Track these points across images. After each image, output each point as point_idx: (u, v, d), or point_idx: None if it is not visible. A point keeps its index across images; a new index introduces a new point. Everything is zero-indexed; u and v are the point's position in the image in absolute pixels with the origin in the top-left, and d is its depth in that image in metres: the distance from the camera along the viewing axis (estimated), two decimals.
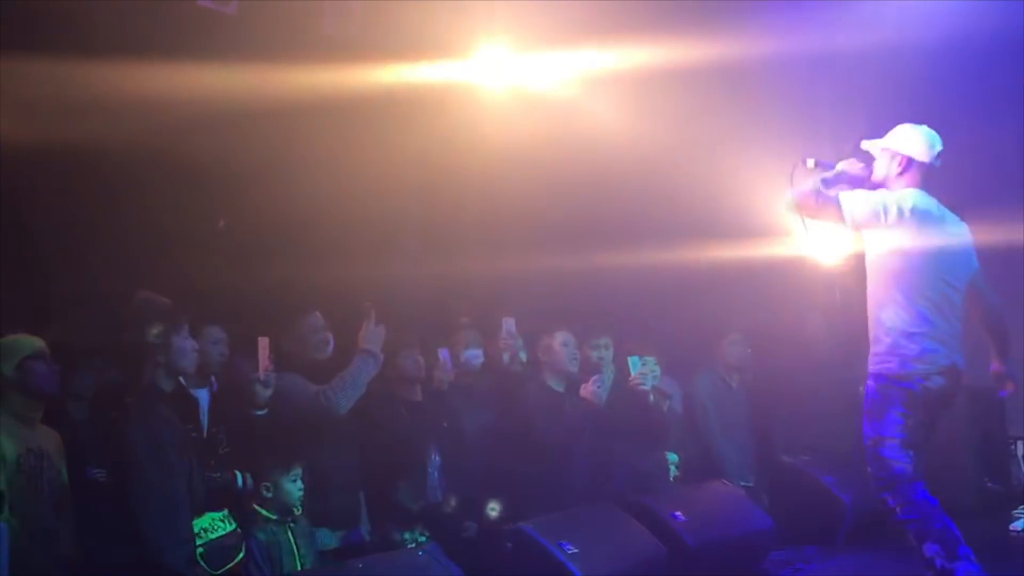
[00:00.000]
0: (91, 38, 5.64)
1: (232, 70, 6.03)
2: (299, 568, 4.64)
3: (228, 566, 4.33)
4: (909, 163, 4.67)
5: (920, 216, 4.56)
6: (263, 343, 4.76)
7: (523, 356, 6.26)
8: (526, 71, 6.79)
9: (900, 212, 4.52)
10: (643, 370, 6.02)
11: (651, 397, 6.09)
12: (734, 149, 7.06)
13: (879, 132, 4.80)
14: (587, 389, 5.88)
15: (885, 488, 4.47)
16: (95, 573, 4.49)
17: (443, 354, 5.75)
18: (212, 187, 7.98)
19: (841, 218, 4.58)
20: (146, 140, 6.62)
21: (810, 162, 4.84)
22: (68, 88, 5.74)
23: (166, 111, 6.18)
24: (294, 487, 4.70)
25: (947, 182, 4.68)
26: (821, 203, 4.60)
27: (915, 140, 4.70)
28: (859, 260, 4.80)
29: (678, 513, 5.52)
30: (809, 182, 4.67)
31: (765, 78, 6.67)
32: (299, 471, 4.73)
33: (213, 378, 4.96)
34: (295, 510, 4.72)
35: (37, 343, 4.49)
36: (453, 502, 5.42)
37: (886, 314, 4.55)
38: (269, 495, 4.67)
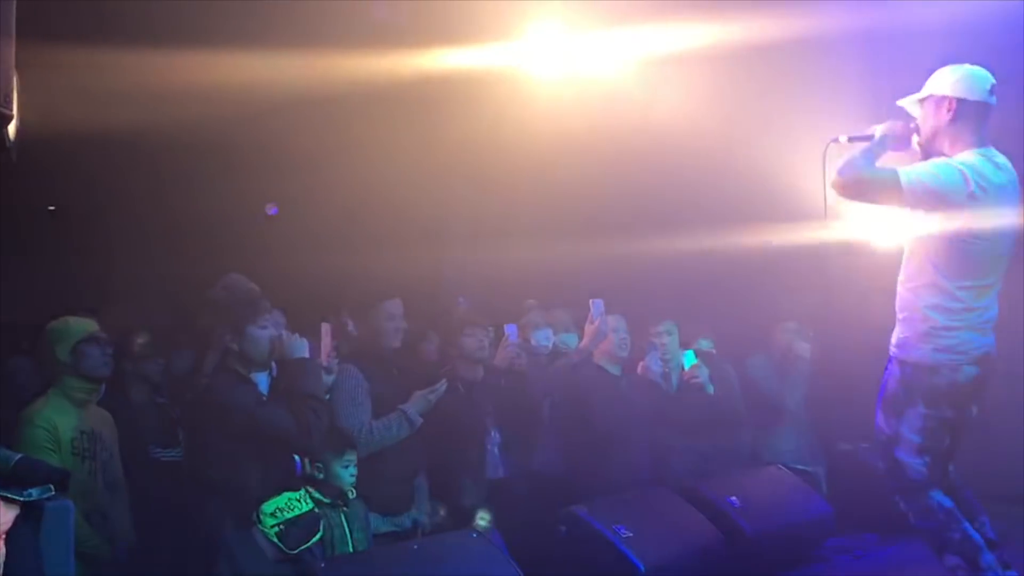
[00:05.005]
0: (143, 27, 5.70)
1: (283, 58, 6.06)
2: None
3: (305, 546, 4.31)
4: (960, 106, 4.11)
5: (991, 190, 4.01)
6: (326, 329, 4.73)
7: None
8: (577, 55, 6.72)
9: (968, 186, 3.97)
10: (696, 364, 5.98)
11: (710, 389, 6.01)
12: (792, 130, 6.94)
13: None
14: (642, 365, 5.87)
15: (897, 491, 4.18)
16: (150, 553, 4.56)
17: (509, 329, 5.69)
18: (264, 174, 8.07)
19: (900, 198, 4.04)
20: (200, 129, 6.71)
21: (842, 138, 4.38)
22: (128, 78, 5.83)
23: (219, 100, 6.24)
24: (345, 472, 4.67)
25: None
26: (873, 181, 4.06)
27: (961, 79, 4.13)
28: (921, 242, 4.37)
29: (734, 498, 5.45)
30: (856, 159, 4.11)
31: (828, 57, 6.53)
32: (352, 456, 4.72)
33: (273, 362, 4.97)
34: (348, 494, 4.71)
35: (90, 326, 4.54)
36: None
37: (923, 297, 4.12)
38: (320, 476, 4.66)
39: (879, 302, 7.23)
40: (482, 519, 4.99)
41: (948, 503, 4.09)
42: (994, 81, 4.13)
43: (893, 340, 4.25)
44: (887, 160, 4.22)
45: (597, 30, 6.64)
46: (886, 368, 4.25)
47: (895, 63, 7.27)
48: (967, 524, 4.08)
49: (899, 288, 4.27)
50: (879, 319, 7.13)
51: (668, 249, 7.10)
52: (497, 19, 6.48)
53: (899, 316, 4.24)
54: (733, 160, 6.89)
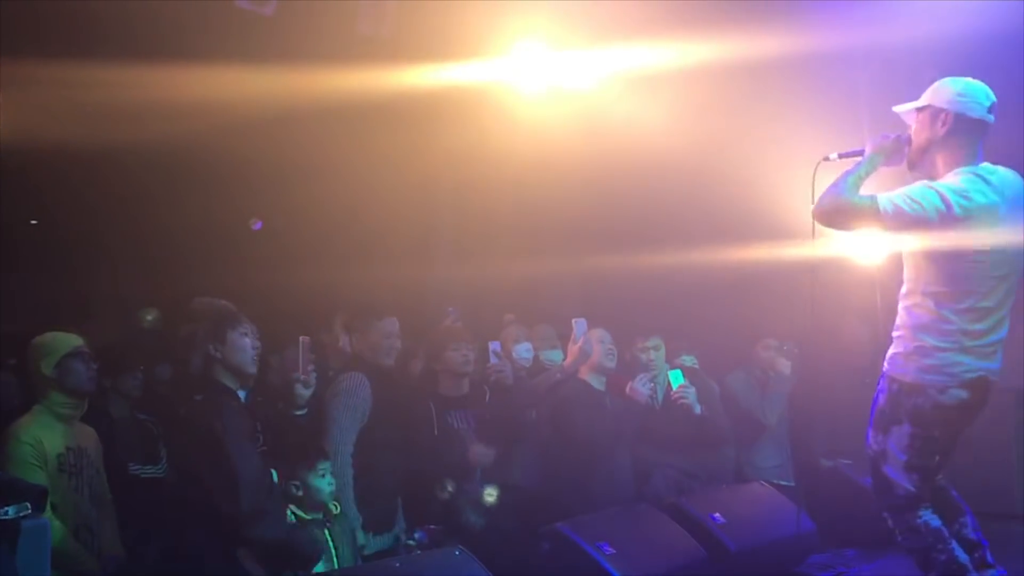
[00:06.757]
0: (129, 42, 5.69)
1: (267, 72, 6.06)
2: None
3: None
4: (956, 121, 4.00)
5: (976, 211, 3.88)
6: (304, 343, 4.72)
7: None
8: (562, 70, 6.73)
9: (949, 209, 3.85)
10: (684, 384, 5.98)
11: (697, 409, 6.01)
12: (773, 149, 6.97)
13: None
14: (632, 387, 5.86)
15: (885, 508, 4.14)
16: (138, 570, 4.52)
17: (493, 347, 5.69)
18: (248, 189, 8.06)
19: (880, 224, 3.95)
20: (184, 143, 6.69)
21: (833, 156, 4.25)
22: (109, 93, 5.81)
23: (203, 114, 6.23)
24: (323, 483, 4.63)
25: None
26: (852, 210, 3.97)
27: (960, 93, 4.03)
28: (899, 261, 4.26)
29: (717, 515, 5.45)
30: (837, 186, 4.02)
31: (806, 75, 6.56)
32: (327, 466, 4.67)
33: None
34: (330, 508, 4.67)
35: (75, 341, 4.53)
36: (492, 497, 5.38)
37: (914, 316, 4.04)
38: (299, 493, 4.61)
39: (853, 323, 7.33)
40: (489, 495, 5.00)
41: (936, 523, 4.02)
42: (995, 99, 4.05)
43: (887, 355, 4.18)
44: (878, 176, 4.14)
45: (581, 47, 6.66)
46: (878, 383, 4.20)
47: (883, 80, 7.33)
48: (954, 544, 4.00)
49: (898, 303, 4.18)
50: (853, 340, 7.21)
51: (651, 265, 7.11)
52: (481, 36, 6.49)
53: (894, 334, 4.17)
54: (716, 177, 6.90)
